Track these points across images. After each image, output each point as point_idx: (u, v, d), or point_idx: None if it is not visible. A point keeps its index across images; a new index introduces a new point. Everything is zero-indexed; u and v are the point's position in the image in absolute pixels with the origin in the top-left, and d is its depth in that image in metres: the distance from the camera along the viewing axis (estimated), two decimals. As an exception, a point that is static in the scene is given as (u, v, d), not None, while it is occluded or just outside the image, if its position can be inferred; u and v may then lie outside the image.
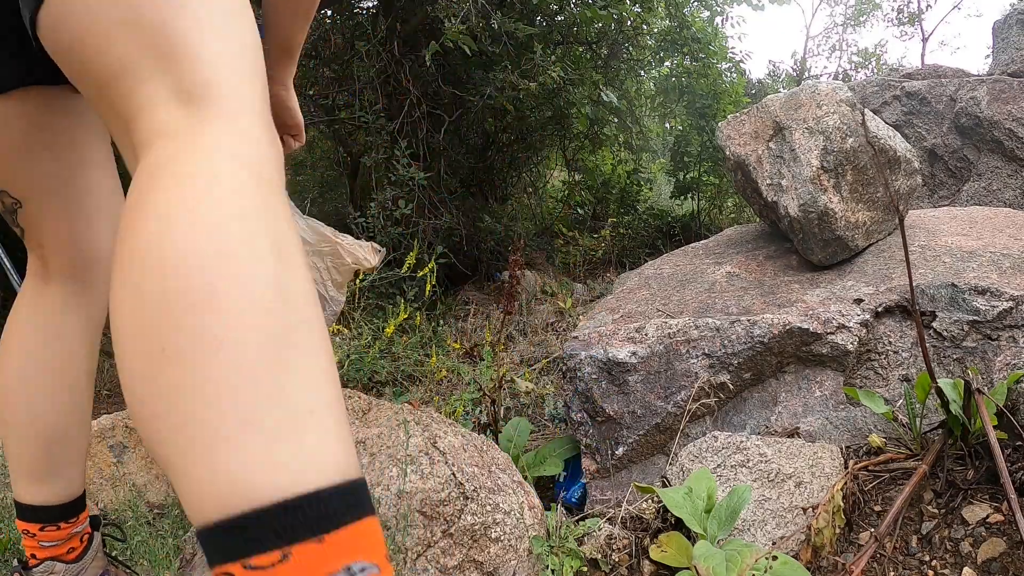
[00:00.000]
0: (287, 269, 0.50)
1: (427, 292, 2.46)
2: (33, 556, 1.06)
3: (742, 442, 1.74)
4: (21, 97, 0.91)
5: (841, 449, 1.76)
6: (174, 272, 0.47)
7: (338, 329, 2.38)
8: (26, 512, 1.05)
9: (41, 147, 0.95)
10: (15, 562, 1.10)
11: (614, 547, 1.62)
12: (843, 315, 1.87)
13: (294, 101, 1.21)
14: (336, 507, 0.46)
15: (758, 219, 2.67)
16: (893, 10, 13.23)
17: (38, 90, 0.92)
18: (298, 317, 0.50)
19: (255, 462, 0.45)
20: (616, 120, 5.63)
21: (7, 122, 0.91)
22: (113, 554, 1.38)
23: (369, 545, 0.47)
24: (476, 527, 1.46)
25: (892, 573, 1.42)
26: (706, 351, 1.93)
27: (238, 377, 0.46)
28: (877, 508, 1.58)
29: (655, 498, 1.71)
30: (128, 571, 1.34)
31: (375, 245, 1.77)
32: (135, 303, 0.48)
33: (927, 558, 1.43)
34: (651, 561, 1.56)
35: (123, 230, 0.52)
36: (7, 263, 1.57)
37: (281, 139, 1.30)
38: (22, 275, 1.37)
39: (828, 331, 1.85)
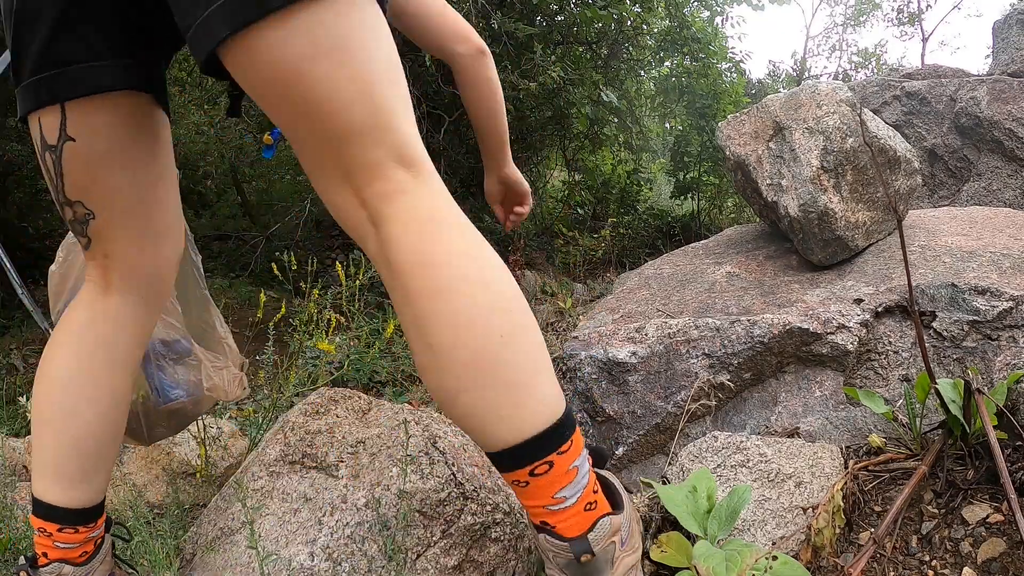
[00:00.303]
0: (507, 273, 0.83)
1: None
2: (44, 555, 1.06)
3: (742, 442, 1.74)
4: (117, 102, 0.94)
5: (841, 449, 1.76)
6: (484, 290, 0.77)
7: (337, 320, 2.38)
8: (45, 510, 1.05)
9: (123, 159, 0.98)
10: (22, 559, 1.09)
11: (614, 547, 1.62)
12: (843, 315, 1.87)
13: (518, 174, 1.49)
14: (566, 426, 0.82)
15: (758, 219, 2.67)
16: (893, 10, 13.23)
17: (133, 96, 0.96)
18: (527, 310, 0.82)
19: (546, 396, 0.80)
20: (616, 120, 5.63)
21: (97, 129, 0.94)
22: (125, 553, 1.38)
23: (580, 446, 0.85)
24: (476, 527, 1.46)
25: (892, 573, 1.42)
26: (706, 351, 1.93)
27: (535, 351, 0.80)
28: (877, 508, 1.58)
29: (655, 498, 1.71)
30: (130, 570, 1.34)
31: (243, 377, 1.54)
32: (465, 314, 0.75)
33: (927, 558, 1.43)
34: (651, 561, 1.56)
35: (420, 264, 0.76)
36: (7, 263, 1.57)
37: (513, 211, 1.61)
38: (22, 275, 1.38)
39: (828, 331, 1.85)
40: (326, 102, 0.73)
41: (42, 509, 1.05)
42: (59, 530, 1.05)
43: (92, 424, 1.05)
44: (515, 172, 1.50)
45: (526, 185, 1.50)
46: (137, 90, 0.95)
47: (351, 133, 0.75)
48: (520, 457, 0.80)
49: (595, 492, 0.88)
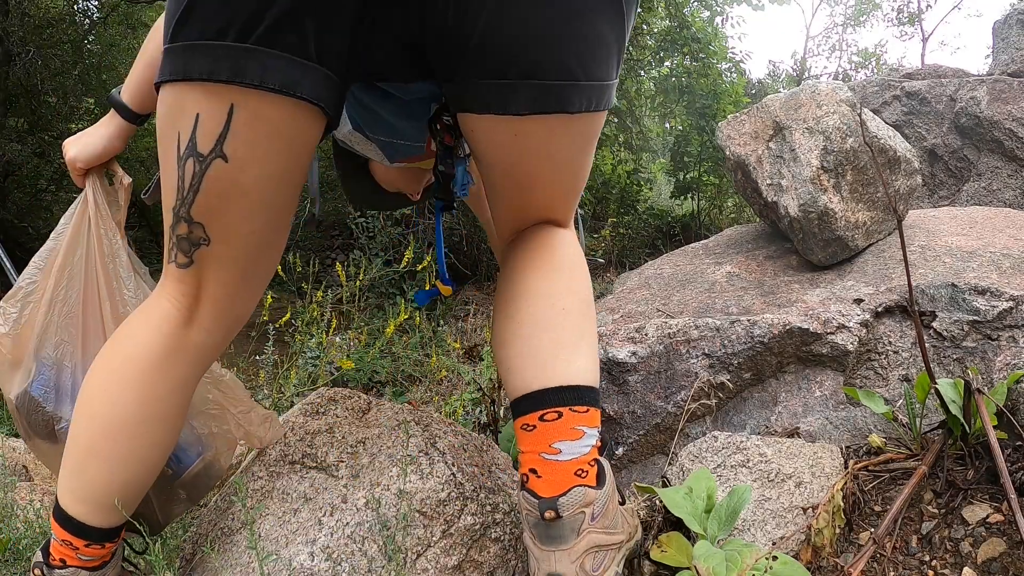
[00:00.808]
0: (587, 286, 1.07)
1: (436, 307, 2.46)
2: (63, 561, 1.03)
3: (742, 442, 1.74)
4: (301, 117, 0.81)
5: (841, 449, 1.76)
6: (568, 287, 1.04)
7: (338, 320, 2.38)
8: (77, 528, 1.00)
9: (270, 198, 0.87)
10: (38, 553, 1.07)
11: (614, 547, 1.62)
12: (843, 315, 1.87)
13: None
14: (589, 396, 0.97)
15: (758, 219, 2.67)
16: (893, 10, 13.23)
17: (317, 118, 0.83)
18: (590, 306, 1.05)
19: (585, 366, 0.99)
20: (616, 120, 5.63)
21: (258, 147, 0.80)
22: (132, 558, 1.38)
23: (596, 422, 0.99)
24: (476, 527, 1.46)
25: (892, 573, 1.42)
26: (706, 351, 1.93)
27: (580, 325, 1.02)
28: (877, 508, 1.58)
29: (655, 498, 1.71)
30: (132, 569, 1.33)
31: (273, 415, 1.41)
32: (554, 297, 1.02)
33: (927, 558, 1.43)
34: (651, 561, 1.56)
35: (546, 263, 1.05)
36: (7, 263, 1.56)
37: None
38: (20, 274, 1.32)
39: (828, 331, 1.85)
40: (564, 164, 1.01)
41: (72, 526, 1.00)
42: (86, 546, 1.02)
43: (152, 464, 1.01)
44: None
45: None
46: (326, 112, 0.83)
47: (560, 193, 1.06)
48: (539, 401, 0.96)
49: (590, 466, 0.98)
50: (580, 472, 0.96)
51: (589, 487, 0.96)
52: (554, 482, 0.95)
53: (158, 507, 1.22)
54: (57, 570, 1.03)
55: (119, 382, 0.93)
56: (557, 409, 0.95)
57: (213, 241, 0.87)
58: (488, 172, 1.02)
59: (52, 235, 1.18)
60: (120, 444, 0.95)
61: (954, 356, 1.82)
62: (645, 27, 5.16)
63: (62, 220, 1.20)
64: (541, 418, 0.96)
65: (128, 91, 1.13)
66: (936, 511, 1.51)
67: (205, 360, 0.99)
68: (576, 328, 1.01)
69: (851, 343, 1.85)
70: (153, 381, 0.94)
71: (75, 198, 1.18)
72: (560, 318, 1.00)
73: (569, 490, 0.94)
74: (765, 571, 1.29)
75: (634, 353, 1.97)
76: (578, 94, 0.87)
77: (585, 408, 0.97)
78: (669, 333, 1.98)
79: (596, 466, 1.00)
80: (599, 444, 1.01)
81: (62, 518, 1.00)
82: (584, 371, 0.98)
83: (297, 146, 0.83)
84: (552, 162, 0.97)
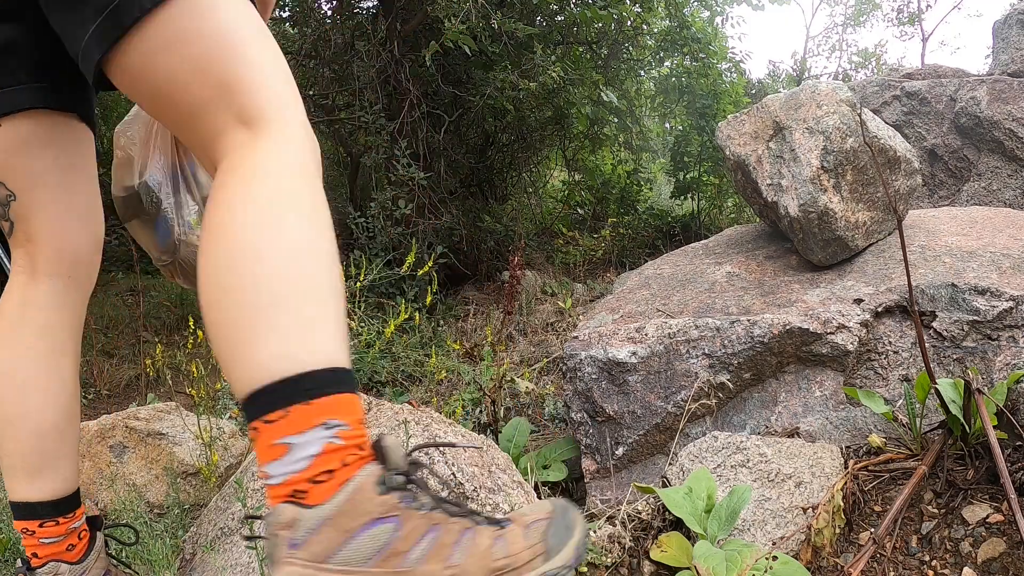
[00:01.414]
0: (313, 230, 0.76)
1: (428, 300, 2.46)
2: (35, 555, 1.09)
3: (742, 442, 1.74)
4: (36, 116, 1.04)
5: (841, 449, 1.76)
6: (233, 238, 0.73)
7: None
8: (23, 510, 1.08)
9: (42, 147, 1.06)
10: (19, 562, 1.11)
11: (614, 547, 1.62)
12: (843, 315, 1.87)
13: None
14: (322, 382, 0.70)
15: (758, 219, 2.67)
16: (893, 10, 13.22)
17: (49, 113, 1.06)
18: (317, 265, 0.74)
19: (271, 354, 0.69)
20: (616, 120, 5.63)
21: (19, 131, 1.04)
22: (121, 554, 1.38)
23: (345, 410, 0.70)
24: (476, 527, 1.46)
25: (892, 573, 1.42)
26: (706, 351, 1.93)
27: (272, 301, 0.71)
28: (877, 508, 1.58)
29: (655, 498, 1.71)
30: (129, 571, 1.34)
31: None
32: (215, 262, 0.73)
33: (927, 558, 1.43)
34: (651, 561, 1.56)
35: (206, 215, 0.77)
36: (7, 263, 1.57)
37: None
38: None
39: (828, 331, 1.85)
40: (166, 87, 0.80)
41: (20, 510, 1.08)
42: (40, 525, 1.08)
43: (48, 413, 1.07)
44: None
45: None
46: (52, 108, 1.05)
47: (195, 110, 0.80)
48: (246, 412, 0.71)
49: (315, 481, 0.68)
50: (296, 493, 0.68)
51: (298, 505, 0.68)
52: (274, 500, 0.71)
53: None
54: (38, 570, 1.09)
55: None
56: (253, 425, 0.69)
57: (17, 194, 1.05)
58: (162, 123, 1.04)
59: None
60: (8, 399, 1.06)
61: (954, 356, 1.82)
62: (645, 27, 5.16)
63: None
64: (252, 428, 0.70)
65: None
66: (936, 511, 1.51)
67: (61, 304, 1.11)
68: (258, 294, 0.71)
69: (851, 343, 1.85)
70: (19, 330, 1.07)
71: None
72: (234, 287, 0.72)
73: (279, 507, 0.69)
74: (765, 571, 1.29)
75: (634, 353, 1.97)
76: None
77: (280, 413, 0.68)
78: (669, 333, 1.98)
79: (334, 477, 0.69)
80: (357, 443, 0.71)
81: (14, 509, 1.09)
82: (272, 360, 0.69)
83: (49, 127, 1.06)
84: (151, 81, 0.81)
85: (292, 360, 0.69)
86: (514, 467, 1.73)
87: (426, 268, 2.48)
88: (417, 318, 2.64)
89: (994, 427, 1.44)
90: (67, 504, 1.11)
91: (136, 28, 0.78)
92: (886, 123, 2.54)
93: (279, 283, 0.71)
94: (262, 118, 0.79)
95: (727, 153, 2.29)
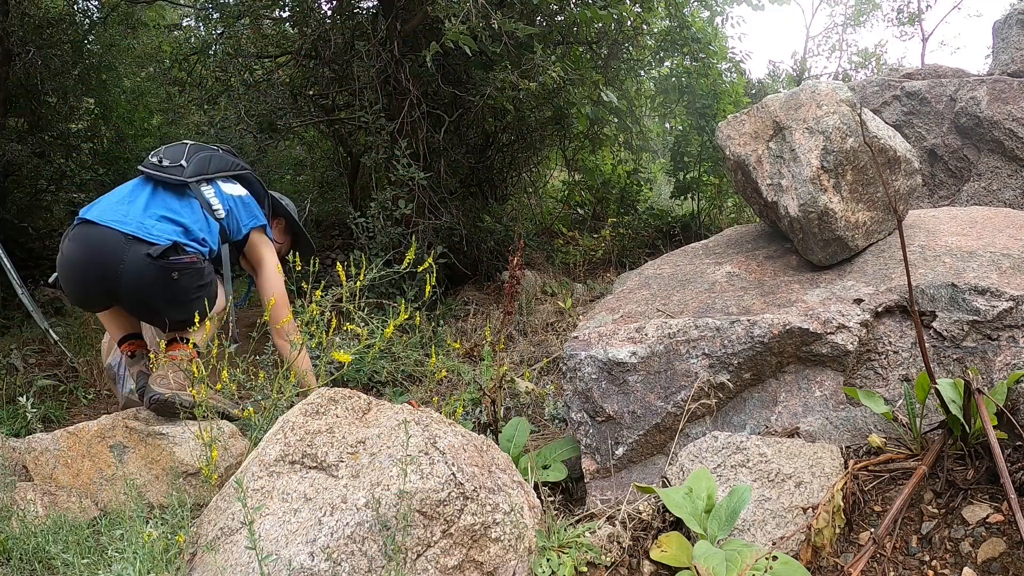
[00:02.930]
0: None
1: (427, 293, 2.46)
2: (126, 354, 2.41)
3: (742, 442, 1.74)
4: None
5: (841, 449, 1.76)
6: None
7: (343, 310, 2.40)
8: (126, 340, 2.38)
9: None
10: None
11: (614, 547, 1.62)
12: (843, 315, 1.87)
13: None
14: None
15: (758, 219, 2.67)
16: (893, 10, 13.21)
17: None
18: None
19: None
20: (616, 120, 5.62)
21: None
22: (121, 553, 1.38)
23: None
24: (476, 527, 1.46)
25: (892, 573, 1.42)
26: (706, 351, 1.93)
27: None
28: (877, 508, 1.58)
29: (655, 498, 1.71)
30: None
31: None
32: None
33: (927, 558, 1.43)
34: (651, 561, 1.56)
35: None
36: (7, 263, 1.56)
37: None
38: (22, 275, 1.38)
39: (828, 331, 1.85)
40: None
41: (122, 341, 2.38)
42: (128, 345, 2.37)
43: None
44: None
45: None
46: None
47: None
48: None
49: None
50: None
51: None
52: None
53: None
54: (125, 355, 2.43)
55: None
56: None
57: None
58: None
59: None
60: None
61: (954, 356, 1.82)
62: (645, 27, 5.15)
63: None
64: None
65: None
66: (936, 511, 1.51)
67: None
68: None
69: (851, 343, 1.85)
70: None
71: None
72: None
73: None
74: (765, 571, 1.29)
75: (634, 353, 1.97)
76: None
77: None
78: (669, 333, 1.98)
79: None
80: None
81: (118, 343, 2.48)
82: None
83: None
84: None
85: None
86: (514, 467, 1.73)
87: (427, 263, 2.49)
88: (417, 318, 2.64)
89: (994, 427, 1.44)
90: (130, 337, 2.39)
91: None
92: (886, 123, 2.54)
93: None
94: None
95: (727, 153, 2.29)
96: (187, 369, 2.15)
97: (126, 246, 2.06)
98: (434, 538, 1.44)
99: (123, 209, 2.14)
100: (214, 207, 2.29)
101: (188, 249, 2.15)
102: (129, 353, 2.33)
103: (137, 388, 2.26)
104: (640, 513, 1.69)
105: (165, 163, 2.26)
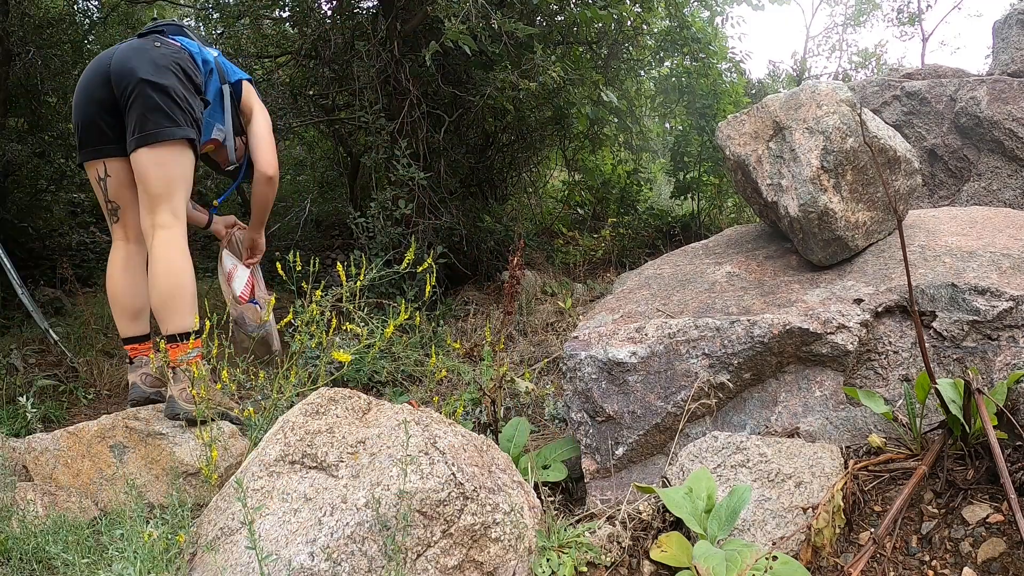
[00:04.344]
0: (185, 271, 2.30)
1: (427, 293, 2.46)
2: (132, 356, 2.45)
3: (742, 442, 1.74)
4: (121, 159, 2.34)
5: (841, 449, 1.76)
6: (162, 273, 2.26)
7: (337, 320, 2.40)
8: (126, 340, 2.42)
9: (129, 182, 2.35)
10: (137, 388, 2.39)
11: (614, 547, 1.62)
12: (843, 315, 1.87)
13: (262, 239, 2.82)
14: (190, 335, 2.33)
15: (758, 219, 2.67)
16: (893, 10, 13.21)
17: (125, 158, 2.34)
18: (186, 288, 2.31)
19: (182, 318, 2.28)
20: (616, 120, 5.62)
21: (125, 172, 2.35)
22: (121, 553, 1.38)
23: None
24: (476, 527, 1.46)
25: (892, 573, 1.42)
26: (706, 351, 1.93)
27: (179, 297, 2.26)
28: (877, 508, 1.58)
29: (655, 498, 1.71)
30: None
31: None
32: (155, 279, 2.25)
33: (927, 558, 1.43)
34: (651, 561, 1.56)
35: (151, 262, 2.27)
36: (7, 263, 1.57)
37: (249, 258, 2.85)
38: (22, 275, 1.42)
39: (828, 331, 1.85)
40: (152, 184, 2.25)
41: (126, 341, 2.43)
42: (131, 348, 2.41)
43: (139, 301, 2.41)
44: (261, 237, 2.80)
45: (261, 244, 2.83)
46: (124, 156, 2.32)
47: (157, 198, 2.25)
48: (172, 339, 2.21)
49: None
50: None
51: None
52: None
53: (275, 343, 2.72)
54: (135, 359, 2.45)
55: (114, 274, 2.42)
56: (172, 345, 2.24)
57: (121, 207, 2.39)
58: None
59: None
60: (119, 293, 2.43)
61: (954, 356, 1.82)
62: (645, 27, 5.15)
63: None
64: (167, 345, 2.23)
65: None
66: (936, 511, 1.51)
67: (139, 252, 2.41)
68: (179, 298, 2.26)
69: (851, 343, 1.85)
70: (124, 266, 2.42)
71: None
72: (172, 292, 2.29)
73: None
74: (765, 571, 1.29)
75: (634, 353, 1.97)
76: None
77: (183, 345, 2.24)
78: (669, 333, 1.98)
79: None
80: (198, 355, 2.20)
81: (124, 341, 2.47)
82: (184, 322, 2.25)
83: (126, 164, 2.35)
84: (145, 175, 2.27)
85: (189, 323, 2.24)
86: (514, 467, 1.73)
87: (427, 263, 2.49)
88: (417, 318, 2.64)
89: (994, 427, 1.44)
90: (143, 338, 2.42)
91: (147, 148, 2.24)
92: (886, 123, 2.54)
93: (181, 292, 2.25)
94: (158, 224, 2.26)
95: (727, 153, 2.30)
96: (205, 377, 2.20)
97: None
98: (434, 538, 1.44)
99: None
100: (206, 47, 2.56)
101: (172, 40, 2.41)
102: (129, 360, 2.41)
103: (132, 396, 2.39)
104: (640, 513, 1.69)
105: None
